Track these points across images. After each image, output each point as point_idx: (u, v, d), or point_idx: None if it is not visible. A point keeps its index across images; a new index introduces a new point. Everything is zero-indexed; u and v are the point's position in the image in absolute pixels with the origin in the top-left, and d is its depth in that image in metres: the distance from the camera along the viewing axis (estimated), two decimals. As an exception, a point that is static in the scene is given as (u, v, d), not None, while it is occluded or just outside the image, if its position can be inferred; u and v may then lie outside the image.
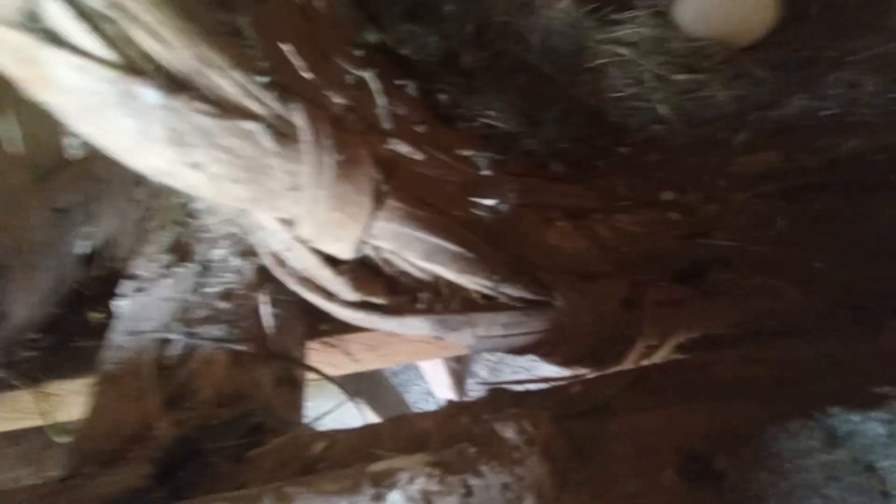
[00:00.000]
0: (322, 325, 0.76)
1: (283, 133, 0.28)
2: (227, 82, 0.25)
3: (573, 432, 0.36)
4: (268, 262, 0.36)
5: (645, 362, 0.50)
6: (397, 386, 1.88)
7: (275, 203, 0.28)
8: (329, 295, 0.36)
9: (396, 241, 0.34)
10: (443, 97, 1.13)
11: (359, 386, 1.11)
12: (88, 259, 0.89)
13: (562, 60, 1.01)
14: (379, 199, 0.32)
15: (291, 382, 0.62)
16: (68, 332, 0.88)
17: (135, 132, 0.24)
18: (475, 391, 2.76)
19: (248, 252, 0.64)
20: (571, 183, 0.92)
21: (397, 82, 1.01)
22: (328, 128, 0.29)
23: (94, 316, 0.89)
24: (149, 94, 0.24)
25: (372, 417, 1.25)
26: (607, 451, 0.34)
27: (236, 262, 0.62)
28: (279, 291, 0.63)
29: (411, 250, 0.35)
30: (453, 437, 0.39)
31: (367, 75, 0.40)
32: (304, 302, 0.54)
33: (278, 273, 0.37)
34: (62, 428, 0.86)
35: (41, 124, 0.66)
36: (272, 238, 0.32)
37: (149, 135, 0.24)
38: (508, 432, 0.34)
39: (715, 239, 0.74)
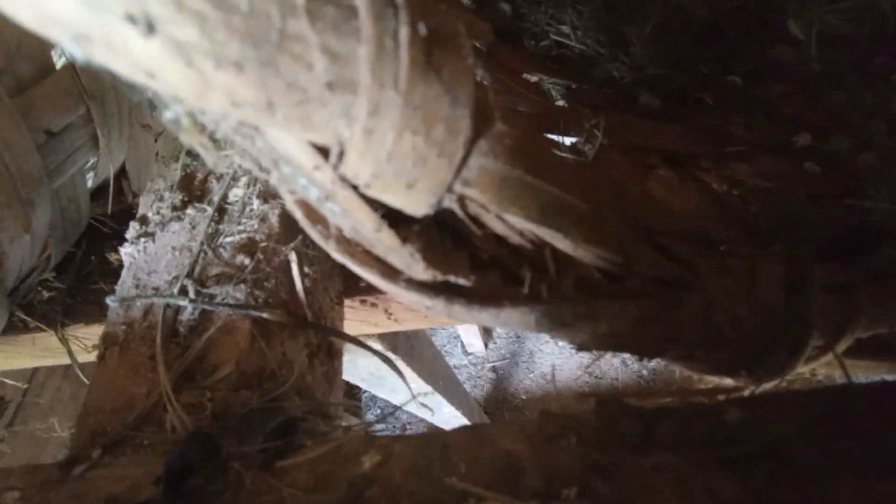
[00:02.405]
0: (361, 282, 0.66)
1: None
2: None
3: (758, 496, 0.24)
4: (297, 215, 0.24)
5: (805, 369, 0.36)
6: (430, 334, 1.83)
7: (305, 114, 0.15)
8: (390, 270, 0.24)
9: (499, 190, 0.21)
10: (503, 6, 0.94)
11: (395, 342, 1.02)
12: (101, 193, 0.80)
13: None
14: (486, 118, 0.18)
15: (328, 352, 0.52)
16: (89, 274, 0.81)
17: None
18: (502, 338, 2.73)
19: (273, 193, 0.52)
20: (668, 120, 0.73)
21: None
22: (402, -30, 0.15)
23: (115, 257, 0.82)
24: None
25: (408, 373, 1.18)
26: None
27: (258, 205, 0.50)
28: (312, 244, 0.52)
29: (518, 205, 0.22)
30: (559, 474, 0.28)
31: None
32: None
33: (313, 234, 0.24)
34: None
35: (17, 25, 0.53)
36: (302, 178, 0.19)
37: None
38: (669, 496, 0.22)
39: (871, 201, 0.56)
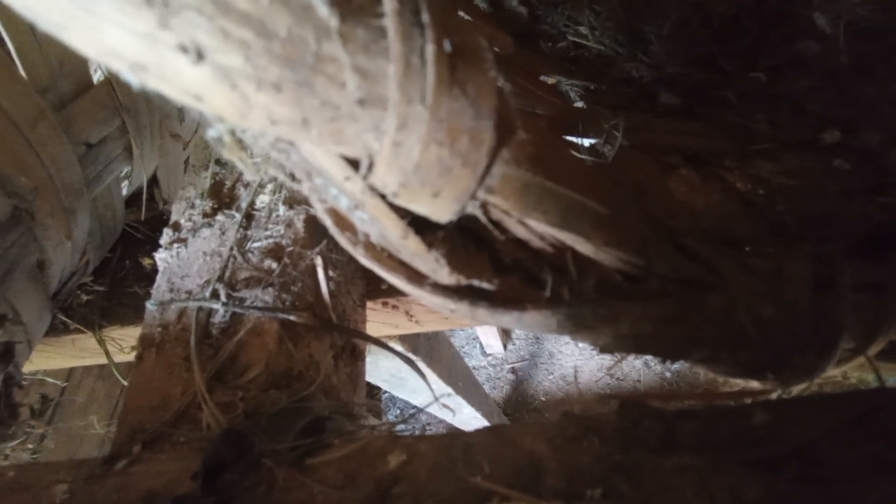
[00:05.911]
0: (383, 284, 0.67)
1: (348, -5, 0.15)
2: None
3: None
4: (327, 223, 0.25)
5: (836, 372, 0.36)
6: (449, 336, 1.83)
7: (337, 129, 0.16)
8: (415, 275, 0.25)
9: (521, 197, 0.22)
10: (520, 10, 0.94)
11: (415, 343, 1.03)
12: (135, 201, 0.84)
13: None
14: (508, 128, 0.19)
15: (352, 353, 0.54)
16: (124, 278, 0.85)
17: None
18: (521, 339, 2.71)
19: (298, 199, 0.53)
20: (689, 119, 0.72)
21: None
22: (427, -9, 0.16)
23: (148, 262, 0.85)
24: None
25: (428, 374, 1.19)
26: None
27: (284, 211, 0.52)
28: (335, 248, 0.53)
29: (540, 210, 0.23)
30: (582, 474, 0.28)
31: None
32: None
33: (342, 241, 0.26)
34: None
35: (57, 42, 0.57)
36: (333, 188, 0.21)
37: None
38: (692, 496, 0.22)
39: (904, 196, 0.54)
